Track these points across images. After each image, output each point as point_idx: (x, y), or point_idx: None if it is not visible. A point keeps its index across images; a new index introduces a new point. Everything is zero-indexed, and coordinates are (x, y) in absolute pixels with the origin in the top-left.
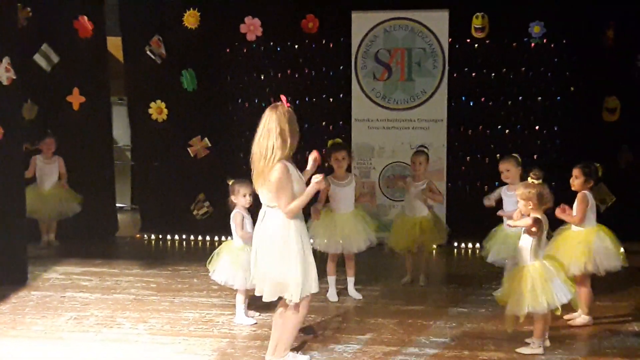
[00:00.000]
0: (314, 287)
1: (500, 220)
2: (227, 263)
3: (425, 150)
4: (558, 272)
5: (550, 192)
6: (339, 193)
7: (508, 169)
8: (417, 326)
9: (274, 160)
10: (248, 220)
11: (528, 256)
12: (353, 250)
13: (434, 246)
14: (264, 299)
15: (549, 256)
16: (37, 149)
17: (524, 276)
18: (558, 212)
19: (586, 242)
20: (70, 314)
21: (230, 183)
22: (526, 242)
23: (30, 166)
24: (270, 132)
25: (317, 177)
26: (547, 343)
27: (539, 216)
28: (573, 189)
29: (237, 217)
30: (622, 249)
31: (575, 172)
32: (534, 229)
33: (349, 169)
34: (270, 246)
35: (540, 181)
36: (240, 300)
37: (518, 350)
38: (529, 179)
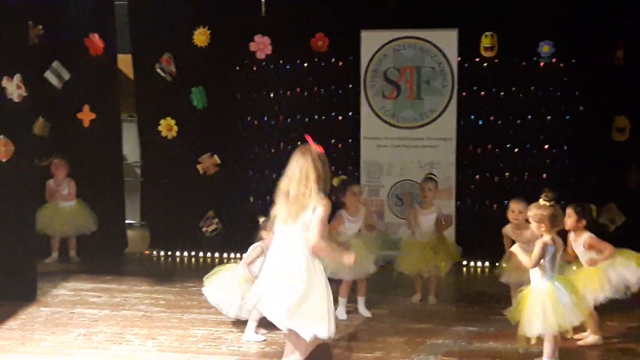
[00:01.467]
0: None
1: (500, 238)
2: (225, 286)
3: (434, 177)
4: (570, 294)
5: (562, 213)
6: (349, 228)
7: (520, 211)
8: (425, 345)
9: (309, 201)
10: (262, 258)
11: (539, 278)
12: (362, 275)
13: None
14: (304, 336)
15: (562, 277)
16: (49, 164)
17: (535, 297)
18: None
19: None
20: (79, 330)
21: (261, 220)
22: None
23: (47, 192)
24: (309, 177)
25: (350, 258)
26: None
27: (546, 240)
28: (567, 228)
29: (257, 250)
30: None
31: (568, 211)
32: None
33: None
34: (300, 278)
35: (552, 202)
36: (253, 317)
37: None
38: (541, 200)
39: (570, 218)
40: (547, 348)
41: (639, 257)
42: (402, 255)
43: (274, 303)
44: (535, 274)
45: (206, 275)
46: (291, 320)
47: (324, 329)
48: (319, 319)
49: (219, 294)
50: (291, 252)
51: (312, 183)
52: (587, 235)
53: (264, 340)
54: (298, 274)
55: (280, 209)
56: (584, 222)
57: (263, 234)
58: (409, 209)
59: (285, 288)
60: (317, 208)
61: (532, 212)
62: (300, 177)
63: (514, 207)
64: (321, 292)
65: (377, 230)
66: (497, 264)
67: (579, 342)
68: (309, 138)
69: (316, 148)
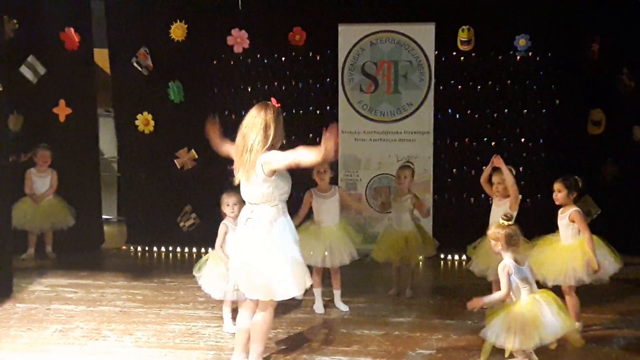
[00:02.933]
0: (300, 288)
1: (477, 231)
2: (209, 271)
3: (410, 165)
4: (551, 306)
5: (519, 234)
6: (322, 205)
7: (500, 182)
8: (403, 338)
9: (256, 155)
10: (233, 233)
11: (513, 296)
12: (336, 264)
13: (420, 258)
14: (250, 297)
15: (542, 290)
16: (27, 160)
17: (514, 312)
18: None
19: (583, 254)
20: (55, 327)
21: (223, 197)
22: (502, 283)
23: (27, 181)
24: (255, 126)
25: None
26: (535, 358)
27: (507, 262)
28: (557, 203)
29: (221, 228)
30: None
31: (557, 186)
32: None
33: (332, 182)
34: (258, 245)
35: (510, 222)
36: (226, 311)
37: None
38: (500, 219)
39: (560, 193)
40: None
41: (611, 248)
42: (377, 244)
43: (246, 281)
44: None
45: (196, 267)
46: (249, 284)
47: (282, 292)
48: (282, 281)
49: (205, 279)
50: (251, 215)
51: (256, 132)
52: (574, 209)
53: None
54: (257, 239)
55: (236, 167)
56: (574, 194)
57: (224, 208)
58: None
59: (247, 255)
60: (265, 161)
61: (490, 230)
62: (247, 124)
63: (493, 180)
64: (284, 256)
65: (357, 204)
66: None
67: None
68: (273, 100)
69: (274, 104)
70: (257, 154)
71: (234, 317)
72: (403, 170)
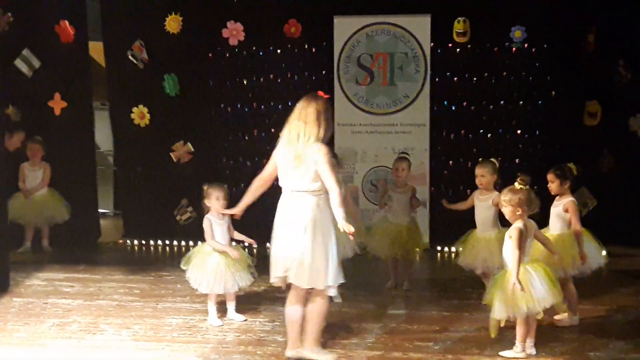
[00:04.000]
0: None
1: (473, 224)
2: (195, 267)
3: (407, 156)
4: (541, 277)
5: (536, 197)
6: None
7: (483, 174)
8: (400, 330)
9: (311, 142)
10: (218, 227)
11: (510, 262)
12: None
13: (417, 250)
14: (302, 286)
15: (534, 261)
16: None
17: (506, 281)
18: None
19: (571, 245)
20: (52, 321)
21: (205, 188)
22: (508, 250)
23: (20, 174)
24: (308, 115)
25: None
26: (533, 351)
27: (520, 226)
28: (553, 193)
29: (206, 223)
30: (603, 251)
31: (549, 176)
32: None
33: None
34: (304, 231)
35: (527, 187)
36: (211, 305)
37: (501, 353)
38: (516, 184)
39: (553, 183)
40: (519, 332)
41: (599, 242)
42: (374, 237)
43: (300, 270)
44: (507, 259)
45: (183, 262)
46: (296, 272)
47: (333, 279)
48: (331, 269)
49: (192, 274)
50: (294, 202)
51: (312, 122)
52: (569, 199)
53: (244, 321)
54: (302, 226)
55: (282, 155)
56: (567, 184)
57: (206, 202)
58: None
59: (292, 241)
60: (317, 154)
61: (508, 196)
62: (297, 116)
63: (478, 172)
64: (332, 244)
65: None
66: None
67: (557, 323)
68: (321, 93)
69: (322, 95)
70: (310, 143)
71: (219, 310)
72: (400, 162)
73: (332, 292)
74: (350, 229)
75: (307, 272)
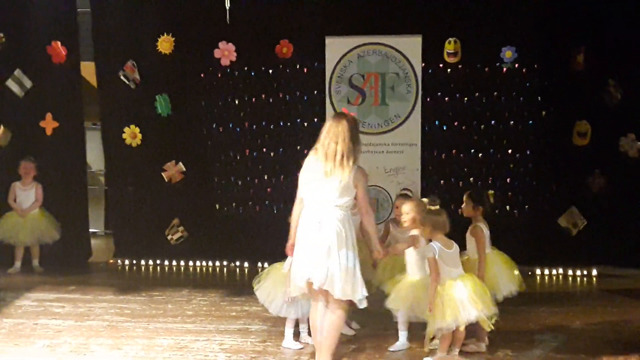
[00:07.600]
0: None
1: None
2: (270, 286)
3: (409, 194)
4: (469, 291)
5: (446, 219)
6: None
7: (407, 212)
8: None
9: (351, 163)
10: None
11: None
12: None
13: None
14: (335, 296)
15: (465, 275)
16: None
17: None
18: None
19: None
20: (43, 342)
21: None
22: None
23: (10, 193)
24: (341, 134)
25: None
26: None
27: (434, 246)
28: (465, 215)
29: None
30: (516, 272)
31: (465, 198)
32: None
33: None
34: (335, 244)
35: (437, 206)
36: (288, 325)
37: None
38: (427, 205)
39: (465, 205)
40: (442, 344)
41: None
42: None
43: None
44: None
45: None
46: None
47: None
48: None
49: (265, 292)
50: (329, 215)
51: (345, 143)
52: (474, 224)
53: (301, 349)
54: (340, 238)
55: (311, 170)
56: (480, 209)
57: None
58: (381, 222)
59: (334, 252)
60: (357, 176)
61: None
62: (330, 135)
63: (397, 204)
64: (354, 257)
65: None
66: None
67: (463, 348)
68: (345, 110)
69: (349, 113)
70: (349, 161)
71: (295, 333)
72: (399, 199)
73: (364, 304)
74: (382, 254)
75: (340, 283)
